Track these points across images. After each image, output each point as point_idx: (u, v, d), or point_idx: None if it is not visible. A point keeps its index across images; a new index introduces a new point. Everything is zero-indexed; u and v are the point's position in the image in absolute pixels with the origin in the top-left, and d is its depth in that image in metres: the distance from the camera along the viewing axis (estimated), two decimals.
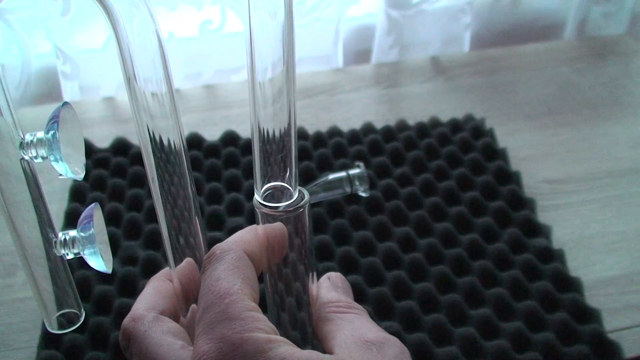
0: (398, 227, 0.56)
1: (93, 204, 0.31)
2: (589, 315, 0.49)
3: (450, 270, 0.52)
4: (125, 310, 0.49)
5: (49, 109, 0.66)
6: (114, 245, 0.55)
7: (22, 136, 0.28)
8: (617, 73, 0.77)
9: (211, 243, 0.55)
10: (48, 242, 0.30)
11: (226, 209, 0.58)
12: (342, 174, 0.58)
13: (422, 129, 0.67)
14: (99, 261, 0.30)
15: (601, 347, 0.47)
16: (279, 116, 0.28)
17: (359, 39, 0.83)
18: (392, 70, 0.79)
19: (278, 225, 0.30)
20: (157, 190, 0.30)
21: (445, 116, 0.69)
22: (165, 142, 0.28)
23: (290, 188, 0.30)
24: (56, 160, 0.27)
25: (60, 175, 0.28)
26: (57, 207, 0.59)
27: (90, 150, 0.64)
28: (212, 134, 0.66)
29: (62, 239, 0.30)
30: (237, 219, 0.57)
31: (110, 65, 0.73)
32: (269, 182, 0.29)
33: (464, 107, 0.71)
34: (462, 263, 0.53)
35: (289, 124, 0.28)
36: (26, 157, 0.28)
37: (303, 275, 0.32)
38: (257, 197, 0.30)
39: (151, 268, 0.52)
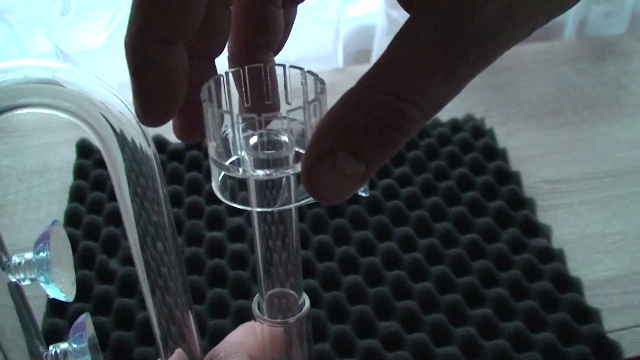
0: (398, 227, 0.56)
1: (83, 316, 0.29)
2: (589, 315, 0.49)
3: (450, 270, 0.52)
4: (125, 310, 0.49)
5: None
6: (114, 245, 0.55)
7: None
8: (617, 73, 0.77)
9: (211, 244, 0.55)
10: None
11: (226, 209, 0.58)
12: None
13: (422, 129, 0.67)
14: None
15: (601, 347, 0.47)
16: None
17: (359, 39, 0.83)
18: None
19: (278, 330, 0.29)
20: (147, 288, 0.28)
21: (445, 116, 0.69)
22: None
23: (294, 294, 0.28)
24: (47, 282, 0.25)
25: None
26: (57, 208, 0.59)
27: (90, 150, 0.64)
28: None
29: (53, 352, 0.28)
30: (237, 219, 0.57)
31: (110, 65, 0.73)
32: (273, 287, 0.28)
33: (464, 107, 0.71)
34: (462, 263, 0.53)
35: (292, 227, 0.26)
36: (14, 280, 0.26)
37: None
38: (258, 307, 0.29)
39: None
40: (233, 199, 0.24)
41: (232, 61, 0.26)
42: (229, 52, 0.26)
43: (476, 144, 0.65)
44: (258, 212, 0.25)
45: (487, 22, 0.18)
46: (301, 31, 0.77)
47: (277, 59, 0.26)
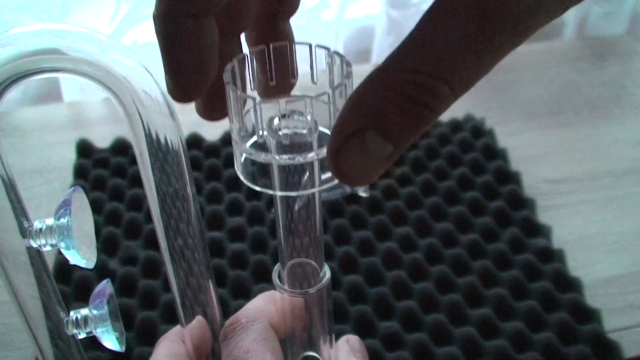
0: (398, 227, 0.56)
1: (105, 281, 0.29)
2: (589, 315, 0.49)
3: (450, 270, 0.52)
4: (125, 310, 0.49)
5: (49, 109, 0.66)
6: (114, 245, 0.55)
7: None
8: (617, 73, 0.77)
9: (212, 243, 0.55)
10: (58, 321, 0.28)
11: (226, 209, 0.58)
12: None
13: None
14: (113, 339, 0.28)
15: (601, 347, 0.47)
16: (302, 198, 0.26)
17: (359, 39, 0.83)
18: None
19: (299, 301, 0.29)
20: (167, 251, 0.28)
21: (445, 116, 0.69)
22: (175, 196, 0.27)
23: (314, 264, 0.28)
24: (67, 248, 0.26)
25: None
26: None
27: (90, 150, 0.64)
28: (212, 134, 0.66)
29: (74, 318, 0.28)
30: (237, 219, 0.57)
31: None
32: (293, 258, 0.28)
33: (464, 107, 0.71)
34: (462, 263, 0.53)
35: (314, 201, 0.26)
36: (34, 245, 0.26)
37: (320, 342, 0.31)
38: (279, 277, 0.28)
39: (151, 268, 0.52)
40: (255, 182, 0.24)
41: (251, 34, 0.26)
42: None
43: (476, 144, 0.65)
44: (281, 196, 0.25)
45: (520, 2, 0.18)
46: (301, 31, 0.77)
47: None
